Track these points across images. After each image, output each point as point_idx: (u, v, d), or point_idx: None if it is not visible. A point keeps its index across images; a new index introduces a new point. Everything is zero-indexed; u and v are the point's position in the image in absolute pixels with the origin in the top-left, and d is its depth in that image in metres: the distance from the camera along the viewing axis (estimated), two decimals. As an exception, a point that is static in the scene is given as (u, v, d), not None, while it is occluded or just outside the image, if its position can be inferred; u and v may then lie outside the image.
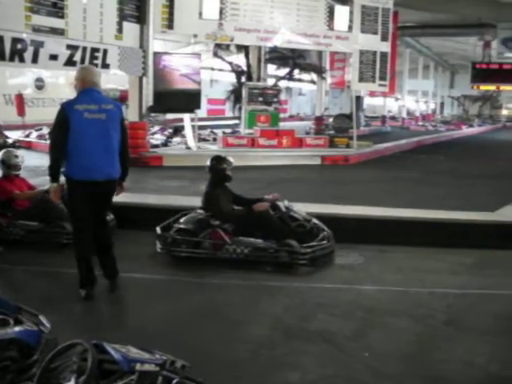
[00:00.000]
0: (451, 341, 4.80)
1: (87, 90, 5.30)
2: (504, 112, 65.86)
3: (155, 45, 15.12)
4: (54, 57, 12.53)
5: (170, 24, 14.62)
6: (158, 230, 6.90)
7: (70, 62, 12.83)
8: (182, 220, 7.02)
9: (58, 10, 12.34)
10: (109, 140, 5.24)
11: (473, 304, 5.70)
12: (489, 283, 6.36)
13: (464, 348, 4.65)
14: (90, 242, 5.40)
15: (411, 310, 5.42)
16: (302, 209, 8.40)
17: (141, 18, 14.38)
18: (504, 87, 33.57)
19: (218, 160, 7.13)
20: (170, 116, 23.26)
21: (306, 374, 4.08)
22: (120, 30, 13.85)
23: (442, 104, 64.01)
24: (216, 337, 4.66)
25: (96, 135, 5.19)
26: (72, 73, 25.65)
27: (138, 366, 2.86)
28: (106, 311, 5.41)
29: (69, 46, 12.69)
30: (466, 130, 41.49)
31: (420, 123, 44.92)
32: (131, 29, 14.20)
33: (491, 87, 33.85)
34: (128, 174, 5.58)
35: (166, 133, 19.37)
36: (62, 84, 27.91)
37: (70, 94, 23.32)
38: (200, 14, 14.98)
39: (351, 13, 17.28)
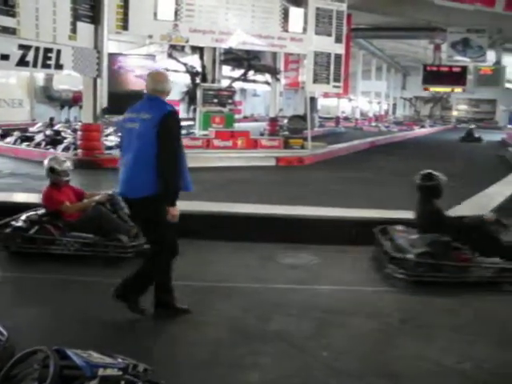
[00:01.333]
0: (407, 337, 4.92)
1: (145, 96, 5.03)
2: (454, 113, 67.43)
3: (110, 45, 14.98)
4: (5, 57, 12.29)
5: (124, 25, 14.50)
6: (394, 252, 6.45)
7: (22, 62, 12.62)
8: (413, 241, 6.60)
9: (9, 9, 12.09)
10: (137, 153, 4.80)
11: (426, 301, 5.83)
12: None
13: (419, 344, 4.76)
14: None
15: (367, 309, 5.51)
16: (256, 210, 8.50)
17: (95, 18, 14.20)
18: (442, 89, 34.26)
19: (430, 177, 6.77)
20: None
21: (265, 374, 4.13)
22: (74, 30, 13.66)
23: (395, 105, 65.11)
24: (175, 339, 4.67)
25: (128, 146, 4.91)
26: (24, 73, 25.15)
27: (100, 371, 2.86)
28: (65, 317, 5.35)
29: (21, 46, 12.46)
30: (417, 131, 42.27)
31: (373, 124, 45.53)
32: (85, 29, 14.01)
33: (442, 89, 34.49)
34: (169, 196, 4.90)
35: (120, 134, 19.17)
36: (13, 84, 27.36)
37: (21, 94, 22.84)
38: (155, 14, 14.91)
39: (306, 15, 17.42)
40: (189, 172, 5.12)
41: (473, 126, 35.80)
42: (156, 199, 4.83)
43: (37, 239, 6.79)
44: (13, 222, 7.02)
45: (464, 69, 29.40)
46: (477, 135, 32.84)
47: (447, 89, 33.80)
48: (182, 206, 8.49)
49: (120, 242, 6.76)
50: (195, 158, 15.73)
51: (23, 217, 7.07)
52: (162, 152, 4.76)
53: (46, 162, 7.25)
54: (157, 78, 5.08)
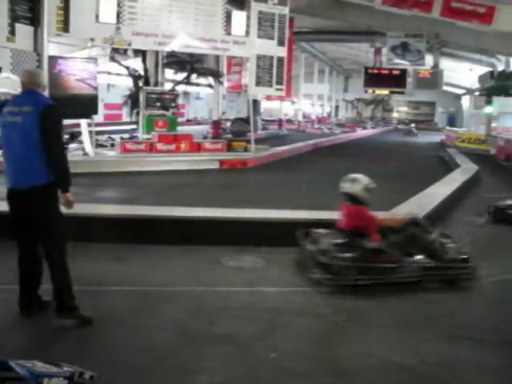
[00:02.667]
0: (355, 336, 5.01)
1: (23, 91, 5.14)
2: (395, 115, 68.93)
3: (50, 48, 14.70)
4: None
5: (65, 27, 14.22)
6: None
7: (-44, 64, 12.32)
8: None
9: None
10: (21, 145, 4.93)
11: (372, 300, 5.91)
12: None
13: (366, 341, 4.86)
14: (25, 258, 5.13)
15: (314, 309, 5.57)
16: (200, 213, 8.48)
17: (35, 19, 13.87)
18: (383, 91, 34.89)
19: None
20: (66, 121, 22.73)
21: (213, 376, 4.13)
22: (12, 32, 13.29)
23: (337, 107, 65.90)
24: (123, 344, 4.63)
25: (11, 139, 4.98)
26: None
27: (45, 381, 2.81)
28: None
29: (-45, 48, 12.16)
30: (360, 132, 42.94)
31: (316, 126, 45.98)
32: (25, 31, 13.64)
33: (382, 91, 35.11)
34: (65, 183, 5.00)
35: (62, 138, 18.81)
36: None
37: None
38: (97, 17, 14.70)
39: (248, 18, 17.50)
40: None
41: (412, 126, 49.00)
42: (47, 188, 4.96)
43: (374, 269, 6.21)
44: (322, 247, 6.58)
45: (404, 72, 30.03)
46: (415, 131, 45.03)
47: (388, 91, 34.44)
48: (126, 210, 8.45)
49: (459, 262, 6.41)
50: (138, 162, 15.70)
51: (330, 242, 6.64)
52: (51, 142, 4.93)
53: (351, 182, 6.87)
54: (33, 72, 5.40)
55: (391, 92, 35.55)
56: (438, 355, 4.60)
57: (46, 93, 5.25)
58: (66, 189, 5.02)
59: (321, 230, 7.11)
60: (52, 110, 5.02)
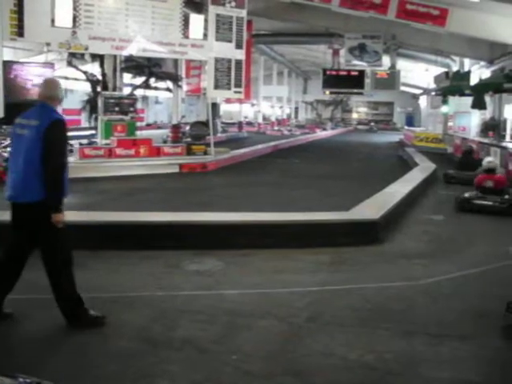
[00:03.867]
0: (313, 336, 5.03)
1: (37, 104, 5.10)
2: (354, 115, 69.74)
3: (5, 53, 14.46)
4: None
5: (20, 31, 13.98)
6: None
7: None
8: None
9: None
10: (25, 159, 4.87)
11: (331, 299, 5.99)
12: (345, 279, 6.73)
13: (325, 341, 4.89)
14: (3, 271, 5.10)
15: (274, 310, 5.59)
16: (157, 218, 8.47)
17: (-14, 23, 13.66)
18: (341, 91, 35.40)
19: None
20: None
21: (174, 381, 4.13)
22: (-38, 36, 13.10)
23: (297, 109, 66.27)
24: (83, 352, 4.60)
25: (17, 152, 4.97)
26: None
27: (-1, 395, 2.74)
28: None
29: None
30: (320, 134, 43.25)
31: (276, 128, 46.18)
32: (-24, 35, 13.47)
33: (341, 91, 35.52)
34: (55, 203, 4.91)
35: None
36: None
37: None
38: (52, 21, 14.51)
39: (206, 21, 17.52)
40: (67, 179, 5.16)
41: (372, 124, 61.74)
42: (44, 205, 4.89)
43: None
44: None
45: (362, 73, 30.41)
46: (375, 128, 57.50)
47: (346, 92, 34.85)
48: (85, 216, 8.37)
49: None
50: (97, 168, 15.56)
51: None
52: (46, 158, 4.85)
53: (492, 163, 11.73)
54: (49, 85, 5.25)
55: (350, 93, 35.97)
56: (395, 351, 4.67)
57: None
58: (56, 208, 4.92)
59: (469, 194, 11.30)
60: (57, 125, 4.94)
